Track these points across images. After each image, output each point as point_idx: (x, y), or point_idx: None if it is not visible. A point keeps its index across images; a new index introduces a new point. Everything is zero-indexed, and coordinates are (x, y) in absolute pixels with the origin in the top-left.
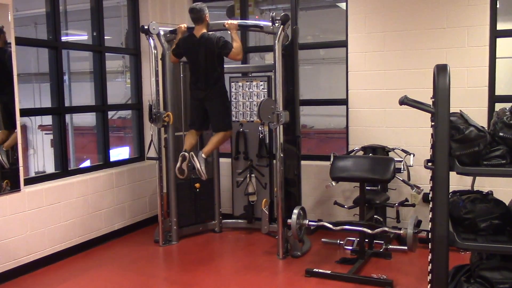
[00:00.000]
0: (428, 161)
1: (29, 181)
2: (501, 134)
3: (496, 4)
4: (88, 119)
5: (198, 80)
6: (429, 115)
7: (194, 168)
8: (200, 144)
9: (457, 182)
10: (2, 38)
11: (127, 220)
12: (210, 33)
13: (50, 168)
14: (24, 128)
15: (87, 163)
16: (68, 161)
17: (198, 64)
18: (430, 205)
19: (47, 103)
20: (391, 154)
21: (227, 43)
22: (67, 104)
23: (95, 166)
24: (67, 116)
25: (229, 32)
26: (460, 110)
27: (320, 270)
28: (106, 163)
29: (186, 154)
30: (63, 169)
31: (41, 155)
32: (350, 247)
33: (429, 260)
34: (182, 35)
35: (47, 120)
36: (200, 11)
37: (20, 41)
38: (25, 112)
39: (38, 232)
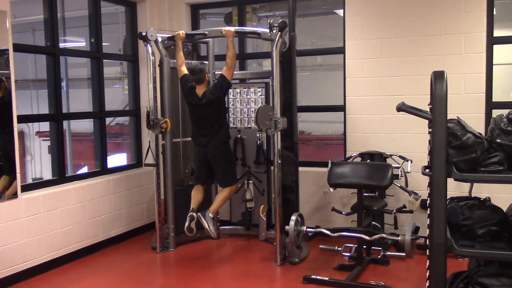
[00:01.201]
0: (425, 167)
1: (26, 188)
2: (498, 140)
3: (493, 11)
4: (85, 126)
5: (202, 128)
6: (426, 121)
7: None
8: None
9: (455, 188)
10: (2, 86)
11: (124, 226)
12: (210, 88)
13: (48, 175)
14: (21, 134)
15: (84, 170)
16: (66, 168)
17: (201, 117)
18: (428, 212)
19: (44, 109)
20: (388, 161)
21: (220, 81)
22: (64, 110)
23: (93, 173)
24: (65, 123)
25: (226, 38)
26: (457, 117)
27: (318, 277)
28: (104, 170)
29: (194, 214)
30: (60, 176)
31: (38, 162)
32: (348, 254)
33: (427, 266)
34: (181, 41)
35: (45, 126)
36: (200, 72)
37: (18, 48)
38: (22, 119)
39: (35, 239)
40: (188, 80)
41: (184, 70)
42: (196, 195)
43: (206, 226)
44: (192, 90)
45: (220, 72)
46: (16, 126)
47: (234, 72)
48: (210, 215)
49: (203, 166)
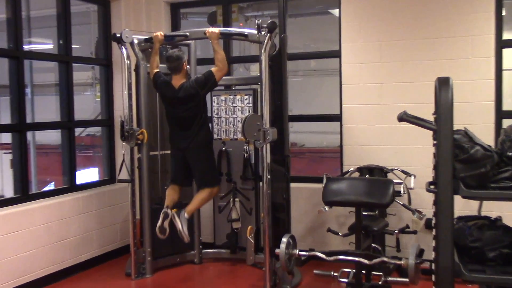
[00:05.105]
0: (430, 183)
1: None
2: (509, 153)
3: (502, 12)
4: (52, 137)
5: (180, 129)
6: (430, 132)
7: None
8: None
9: (463, 206)
10: None
11: (95, 250)
12: (189, 81)
13: (9, 192)
14: None
15: (50, 187)
16: (30, 184)
17: (178, 115)
18: (433, 232)
19: (6, 119)
20: (389, 176)
21: (206, 76)
22: (29, 120)
23: (60, 190)
24: (29, 134)
25: (210, 41)
26: (465, 127)
27: None
28: (72, 186)
29: (169, 211)
30: (23, 193)
31: None
32: (346, 280)
33: None
34: (160, 44)
35: (7, 137)
36: (177, 60)
37: None
38: None
39: None
40: (161, 76)
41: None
42: (171, 194)
43: (180, 227)
44: (167, 82)
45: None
46: None
47: None
48: (186, 215)
49: (180, 166)
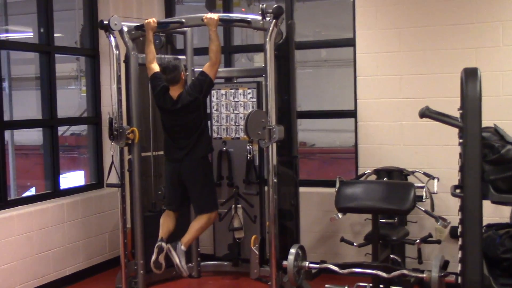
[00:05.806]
0: (456, 187)
1: None
2: None
3: None
4: (33, 137)
5: (178, 138)
6: (456, 130)
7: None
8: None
9: (492, 213)
10: None
11: (81, 263)
12: (186, 88)
13: None
14: None
15: (31, 192)
16: (8, 189)
17: (176, 125)
18: (460, 242)
19: None
20: (410, 179)
21: (199, 79)
22: (6, 117)
23: (42, 196)
24: (7, 133)
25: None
26: (494, 124)
27: None
28: (56, 192)
29: (164, 245)
30: (1, 200)
31: None
32: None
33: None
34: (153, 31)
35: None
36: (174, 70)
37: None
38: None
39: None
40: (160, 79)
41: (156, 67)
42: (167, 223)
43: (177, 261)
44: (165, 91)
45: (201, 69)
46: None
47: (219, 69)
48: (183, 247)
49: (176, 187)
